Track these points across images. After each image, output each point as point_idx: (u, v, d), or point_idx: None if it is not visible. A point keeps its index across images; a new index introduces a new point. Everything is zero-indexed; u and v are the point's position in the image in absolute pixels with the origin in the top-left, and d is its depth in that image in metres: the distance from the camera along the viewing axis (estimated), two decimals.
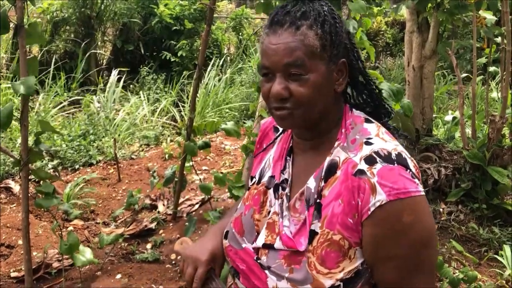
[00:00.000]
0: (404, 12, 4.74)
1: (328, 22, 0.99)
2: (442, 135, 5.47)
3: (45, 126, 2.23)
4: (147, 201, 4.02)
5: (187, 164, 3.28)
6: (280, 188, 1.06)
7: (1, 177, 4.37)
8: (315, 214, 0.97)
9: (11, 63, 6.68)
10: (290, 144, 1.11)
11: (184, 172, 3.43)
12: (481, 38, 5.61)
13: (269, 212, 1.06)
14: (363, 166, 0.94)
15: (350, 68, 1.04)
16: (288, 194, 1.05)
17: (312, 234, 0.96)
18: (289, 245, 0.98)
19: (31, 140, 2.22)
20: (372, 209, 0.92)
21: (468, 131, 4.40)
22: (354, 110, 1.07)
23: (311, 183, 1.01)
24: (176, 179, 3.37)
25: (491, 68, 4.94)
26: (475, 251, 3.32)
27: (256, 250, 1.04)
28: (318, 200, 0.98)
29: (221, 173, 3.53)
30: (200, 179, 3.51)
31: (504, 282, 2.94)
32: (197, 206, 3.90)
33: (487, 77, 5.17)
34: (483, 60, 5.51)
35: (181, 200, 3.80)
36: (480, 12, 4.12)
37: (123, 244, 3.36)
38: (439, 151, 4.41)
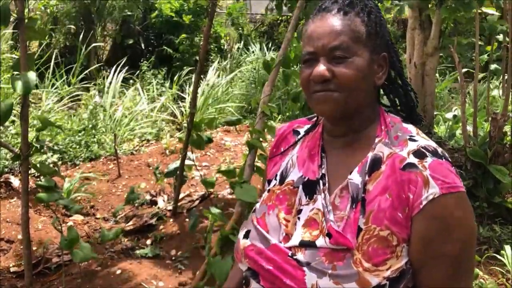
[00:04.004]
0: (405, 9, 4.72)
1: (374, 14, 1.02)
2: (443, 132, 5.46)
3: (45, 122, 2.22)
4: (147, 197, 4.01)
5: (190, 163, 3.26)
6: (321, 183, 1.03)
7: (1, 171, 4.35)
8: (360, 210, 0.95)
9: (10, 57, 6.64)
10: (321, 143, 1.09)
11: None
12: (483, 35, 5.59)
13: (299, 211, 1.02)
14: (412, 159, 0.94)
15: (390, 65, 1.05)
16: (328, 190, 1.02)
17: (358, 230, 0.94)
18: (340, 242, 0.93)
19: (31, 135, 2.21)
20: (424, 202, 0.91)
21: (469, 129, 4.39)
22: (389, 113, 1.08)
23: (356, 178, 0.98)
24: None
25: (493, 66, 4.92)
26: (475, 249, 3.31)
27: (288, 248, 0.99)
28: (362, 195, 0.96)
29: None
30: (200, 174, 3.49)
31: (505, 280, 2.94)
32: (197, 202, 3.89)
33: (489, 75, 5.15)
34: (484, 57, 5.49)
35: (181, 195, 3.79)
36: (483, 8, 4.10)
37: (123, 240, 3.35)
38: None
